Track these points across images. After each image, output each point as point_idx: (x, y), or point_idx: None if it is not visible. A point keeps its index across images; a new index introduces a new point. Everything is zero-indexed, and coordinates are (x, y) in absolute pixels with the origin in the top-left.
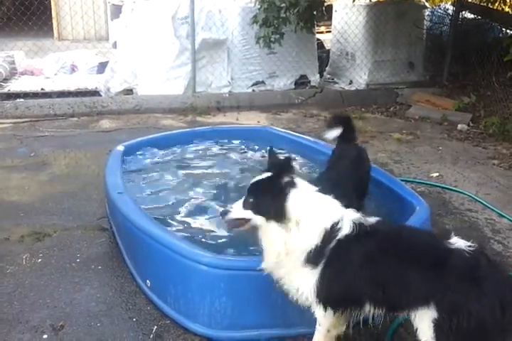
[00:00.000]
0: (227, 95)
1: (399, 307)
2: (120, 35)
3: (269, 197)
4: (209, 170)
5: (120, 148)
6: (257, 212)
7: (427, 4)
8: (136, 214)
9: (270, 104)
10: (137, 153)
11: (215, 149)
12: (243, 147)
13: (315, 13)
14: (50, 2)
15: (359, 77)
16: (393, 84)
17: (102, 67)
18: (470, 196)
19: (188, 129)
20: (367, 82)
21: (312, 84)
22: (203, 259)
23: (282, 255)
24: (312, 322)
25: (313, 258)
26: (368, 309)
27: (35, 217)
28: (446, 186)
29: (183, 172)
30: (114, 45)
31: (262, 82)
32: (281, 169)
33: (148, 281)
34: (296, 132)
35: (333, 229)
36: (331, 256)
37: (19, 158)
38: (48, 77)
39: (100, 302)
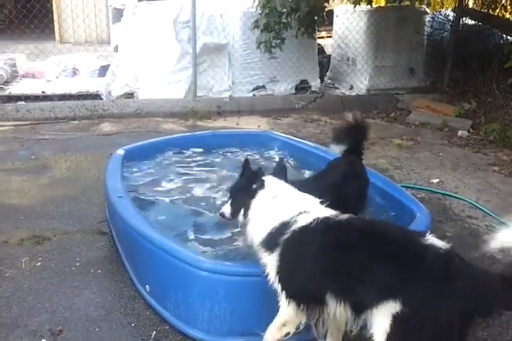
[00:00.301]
0: (227, 99)
1: (363, 303)
2: (122, 38)
3: (242, 198)
4: (209, 175)
5: (120, 151)
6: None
7: (427, 10)
8: (136, 218)
9: (271, 109)
10: (137, 156)
11: (215, 154)
12: (243, 152)
13: (316, 18)
14: (51, 5)
15: (360, 83)
16: (394, 89)
17: (103, 70)
18: (470, 203)
19: (188, 133)
20: (367, 88)
21: (313, 89)
22: (202, 265)
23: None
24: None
25: (266, 245)
26: (332, 306)
27: (35, 221)
28: (447, 192)
29: (183, 176)
30: (116, 49)
31: (263, 87)
32: (252, 175)
33: (147, 286)
34: (296, 137)
35: (287, 222)
36: (285, 245)
37: (20, 160)
38: (49, 80)
39: (99, 307)
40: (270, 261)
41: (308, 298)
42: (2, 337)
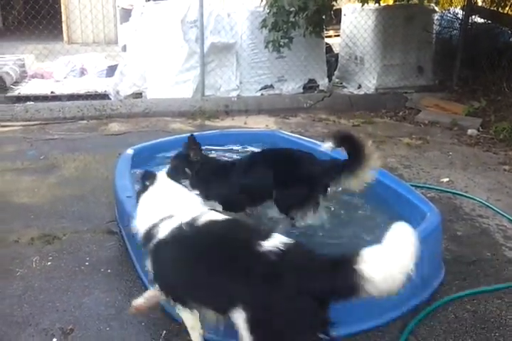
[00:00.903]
0: (235, 99)
1: (220, 309)
2: (129, 38)
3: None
4: None
5: (129, 151)
6: None
7: (436, 8)
8: None
9: (278, 108)
10: (146, 156)
11: (223, 153)
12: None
13: (324, 17)
14: (60, 6)
15: (368, 81)
16: (402, 88)
17: (111, 70)
18: (481, 202)
19: (196, 133)
20: (376, 86)
21: (321, 88)
22: None
23: None
24: None
25: (143, 247)
26: (199, 310)
27: (45, 220)
28: (457, 192)
29: None
30: (124, 49)
31: (271, 86)
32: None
33: (157, 285)
34: (304, 136)
35: (152, 229)
36: (152, 253)
37: (29, 160)
38: (58, 81)
39: (109, 306)
40: (148, 264)
41: (180, 302)
42: (14, 335)
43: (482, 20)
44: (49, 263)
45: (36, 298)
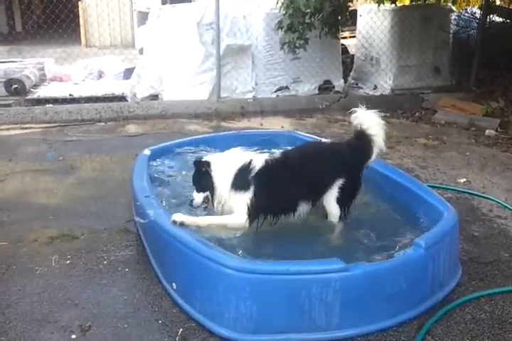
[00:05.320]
0: (251, 100)
1: None
2: (146, 41)
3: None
4: None
5: (146, 152)
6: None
7: (453, 8)
8: (162, 217)
9: (294, 109)
10: (163, 157)
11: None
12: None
13: (339, 18)
14: (78, 10)
15: (384, 82)
16: (418, 89)
17: (128, 73)
18: (499, 202)
19: (212, 134)
20: (392, 87)
21: (336, 89)
22: (229, 263)
23: None
24: (338, 326)
25: None
26: None
27: (64, 220)
28: (475, 192)
29: None
30: (141, 51)
31: (286, 88)
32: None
33: (174, 284)
34: (320, 137)
35: None
36: None
37: (48, 161)
38: (76, 83)
39: (127, 304)
40: None
41: None
42: (34, 332)
43: (500, 19)
44: (68, 261)
45: (55, 295)
